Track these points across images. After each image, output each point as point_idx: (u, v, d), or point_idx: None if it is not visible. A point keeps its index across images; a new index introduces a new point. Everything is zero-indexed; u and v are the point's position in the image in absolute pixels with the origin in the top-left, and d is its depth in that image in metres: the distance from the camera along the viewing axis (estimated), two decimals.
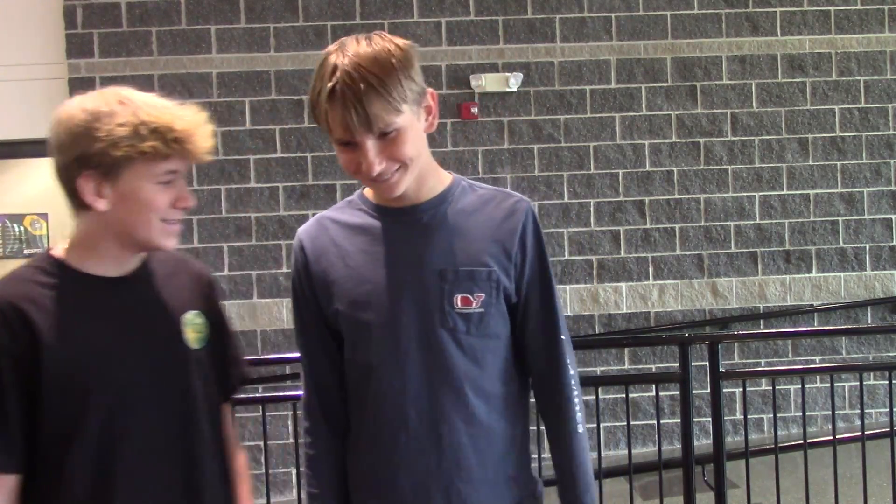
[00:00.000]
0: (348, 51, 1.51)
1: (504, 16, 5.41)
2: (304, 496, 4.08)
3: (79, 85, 5.18)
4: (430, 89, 1.60)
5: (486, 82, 5.33)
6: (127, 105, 1.52)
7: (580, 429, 1.70)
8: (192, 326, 1.65)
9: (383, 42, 1.54)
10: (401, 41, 1.57)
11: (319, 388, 1.72)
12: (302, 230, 1.73)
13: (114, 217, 1.53)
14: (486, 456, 1.65)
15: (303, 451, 1.75)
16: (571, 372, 1.71)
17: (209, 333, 1.68)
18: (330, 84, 1.49)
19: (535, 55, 5.41)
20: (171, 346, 1.61)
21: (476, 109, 5.37)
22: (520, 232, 1.66)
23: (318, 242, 1.69)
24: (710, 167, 5.51)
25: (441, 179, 1.68)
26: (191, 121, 1.54)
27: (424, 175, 1.64)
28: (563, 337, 1.71)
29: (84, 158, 1.49)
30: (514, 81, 5.34)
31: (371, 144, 1.52)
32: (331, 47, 1.56)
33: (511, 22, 5.41)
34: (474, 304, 1.62)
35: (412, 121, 1.54)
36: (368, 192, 1.72)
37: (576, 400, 1.70)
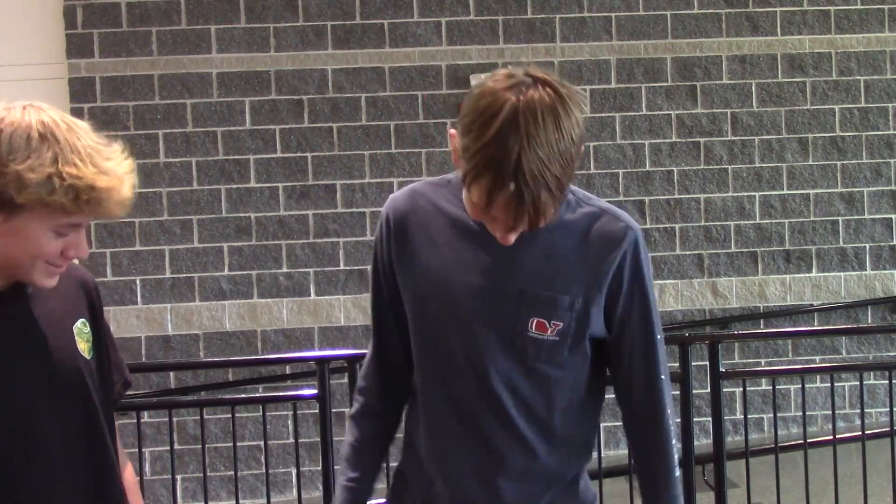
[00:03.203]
0: (536, 137, 1.35)
1: (504, 16, 5.40)
2: (304, 496, 4.08)
3: (79, 85, 5.18)
4: None
5: None
6: (49, 143, 1.34)
7: (677, 472, 1.62)
8: (83, 336, 1.56)
9: (564, 119, 1.39)
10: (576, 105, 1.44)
11: (383, 350, 1.67)
12: (392, 199, 1.64)
13: None
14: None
15: (349, 412, 1.70)
16: (668, 412, 1.61)
17: (94, 341, 1.59)
18: (513, 182, 1.35)
19: (535, 55, 5.40)
20: (68, 360, 1.51)
21: None
22: (618, 261, 1.57)
23: (406, 218, 1.60)
24: (710, 167, 5.51)
25: None
26: (113, 178, 1.38)
27: None
28: (662, 377, 1.61)
29: None
30: None
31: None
32: (509, 112, 1.36)
33: (511, 22, 5.40)
34: (549, 332, 1.52)
35: None
36: None
37: (674, 447, 1.62)
